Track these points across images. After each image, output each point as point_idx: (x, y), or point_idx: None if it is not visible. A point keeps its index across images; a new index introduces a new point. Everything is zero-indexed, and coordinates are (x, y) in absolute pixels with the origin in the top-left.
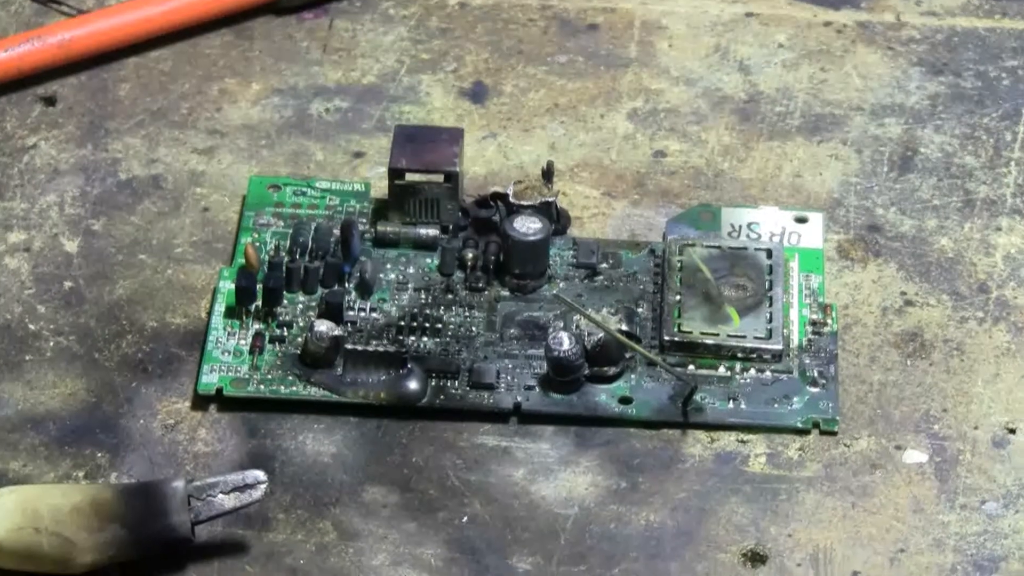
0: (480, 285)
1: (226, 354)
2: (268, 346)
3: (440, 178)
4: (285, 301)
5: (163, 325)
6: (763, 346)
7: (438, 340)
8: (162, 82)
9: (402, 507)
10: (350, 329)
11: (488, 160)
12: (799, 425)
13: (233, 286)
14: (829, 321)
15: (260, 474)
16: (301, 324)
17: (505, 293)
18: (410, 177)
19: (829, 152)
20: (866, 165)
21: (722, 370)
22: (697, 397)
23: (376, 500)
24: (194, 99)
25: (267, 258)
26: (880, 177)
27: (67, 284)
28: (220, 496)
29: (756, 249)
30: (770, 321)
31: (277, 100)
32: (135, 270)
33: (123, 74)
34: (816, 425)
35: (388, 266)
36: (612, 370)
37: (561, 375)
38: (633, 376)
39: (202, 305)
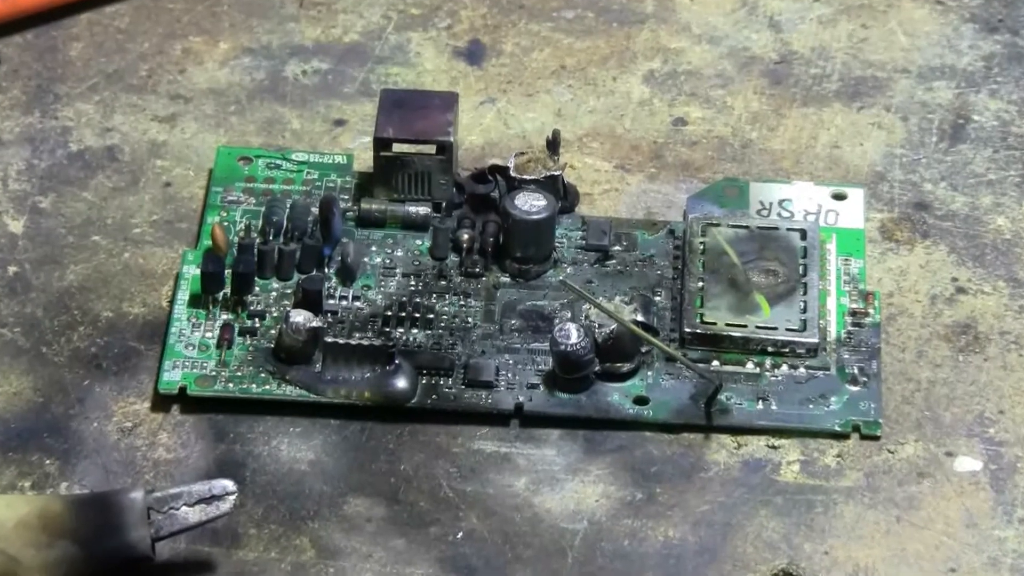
0: (477, 270)
1: (190, 348)
2: (238, 339)
3: (432, 149)
4: (257, 288)
5: (119, 316)
6: (797, 339)
7: (429, 332)
8: (119, 41)
9: (389, 521)
10: (330, 320)
11: (486, 129)
12: (837, 428)
13: (198, 271)
14: (871, 311)
15: (229, 484)
16: (275, 314)
17: (505, 279)
18: (398, 148)
19: (871, 120)
20: (912, 134)
21: (750, 366)
22: (722, 397)
23: (360, 513)
24: (154, 60)
25: (236, 240)
26: (928, 148)
27: (11, 269)
28: (184, 509)
29: (789, 229)
30: (804, 311)
31: (248, 61)
32: (88, 253)
33: (75, 32)
34: (856, 429)
35: (373, 249)
36: (626, 366)
37: (568, 372)
38: (650, 373)
39: (163, 293)
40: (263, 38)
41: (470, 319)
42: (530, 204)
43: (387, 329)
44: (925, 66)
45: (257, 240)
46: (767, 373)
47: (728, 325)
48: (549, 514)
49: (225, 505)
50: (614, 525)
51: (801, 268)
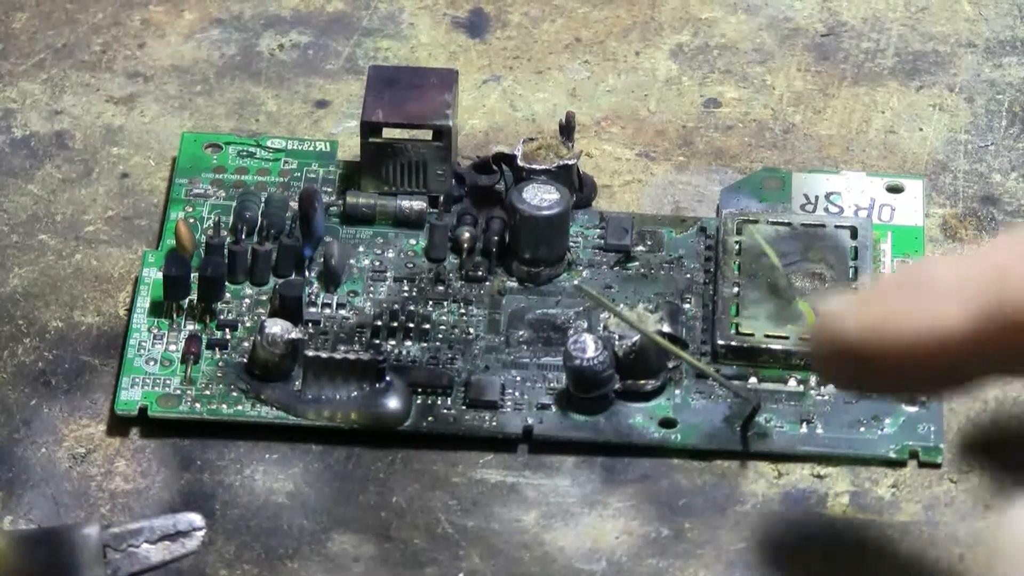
0: (480, 274)
1: (151, 363)
2: (205, 353)
3: (428, 135)
4: (227, 295)
5: (70, 326)
6: None
7: (425, 345)
8: (68, 10)
9: (379, 561)
10: (311, 331)
11: (490, 111)
12: (892, 455)
13: (160, 275)
14: None
15: (196, 518)
16: (248, 325)
17: (512, 284)
18: (388, 133)
19: (931, 101)
20: (979, 118)
21: (792, 384)
22: (760, 419)
23: (345, 552)
24: (109, 32)
25: (204, 239)
26: (997, 134)
27: None
28: (145, 546)
29: (837, 227)
30: None
31: (217, 33)
32: (34, 255)
33: (18, 0)
34: (914, 455)
35: (360, 249)
36: (650, 384)
37: (584, 390)
38: (677, 392)
39: (120, 300)
40: (234, 7)
41: (472, 330)
42: (539, 198)
43: (376, 341)
44: (993, 39)
45: (228, 239)
46: (812, 392)
47: (767, 336)
48: (562, 553)
49: (192, 542)
50: (636, 566)
51: (851, 271)
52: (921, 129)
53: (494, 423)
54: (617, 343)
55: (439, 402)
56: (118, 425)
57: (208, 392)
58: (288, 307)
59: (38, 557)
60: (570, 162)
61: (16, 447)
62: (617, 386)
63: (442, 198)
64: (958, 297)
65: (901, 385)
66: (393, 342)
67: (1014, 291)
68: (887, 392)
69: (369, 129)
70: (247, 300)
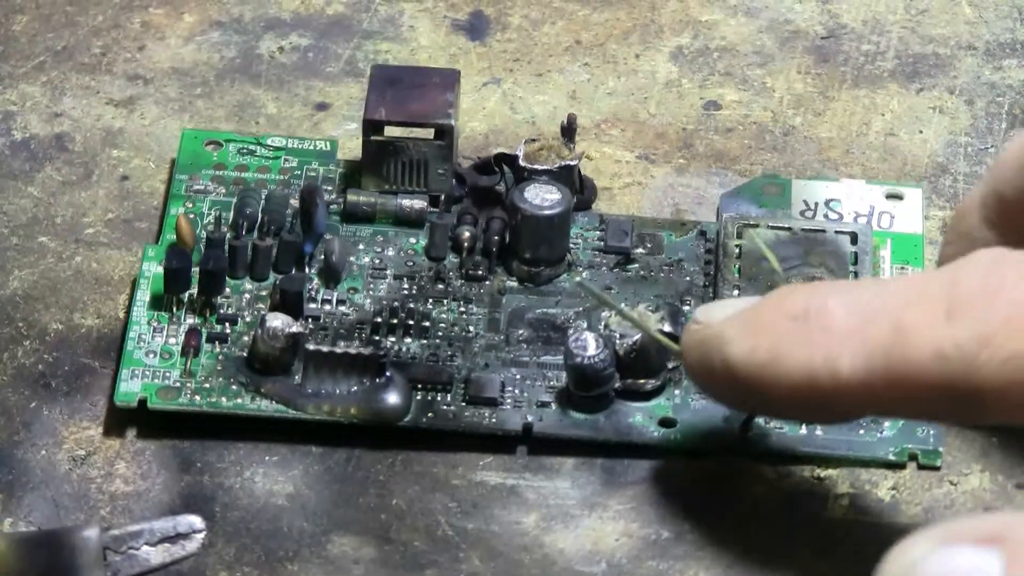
0: (480, 273)
1: (151, 356)
2: (205, 347)
3: (429, 134)
4: (228, 289)
5: (70, 328)
6: None
7: (425, 342)
8: (68, 13)
9: (379, 563)
10: (311, 326)
11: (490, 114)
12: (891, 457)
13: (161, 269)
14: None
15: (196, 521)
16: (248, 319)
17: (512, 283)
18: (390, 132)
19: (931, 104)
20: (979, 120)
21: None
22: (760, 420)
23: (345, 554)
24: (109, 35)
25: (204, 234)
26: (998, 136)
27: None
28: (145, 549)
29: (837, 232)
30: None
31: (217, 36)
32: (34, 257)
33: (18, 3)
34: (913, 457)
35: (361, 247)
36: (651, 383)
37: (584, 389)
38: (677, 392)
39: (120, 302)
40: (234, 10)
41: (472, 328)
42: (541, 198)
43: (377, 337)
44: (993, 41)
45: (228, 235)
46: None
47: None
48: (562, 555)
49: (192, 544)
50: (637, 568)
51: (851, 277)
52: (921, 131)
53: (494, 420)
54: (618, 342)
55: (439, 398)
56: (118, 427)
57: (208, 385)
58: (288, 302)
59: (38, 559)
60: (572, 163)
61: (16, 449)
62: (617, 385)
63: (443, 197)
64: (852, 345)
65: (782, 413)
66: (393, 338)
67: (908, 354)
68: (767, 416)
69: (371, 127)
70: (247, 295)
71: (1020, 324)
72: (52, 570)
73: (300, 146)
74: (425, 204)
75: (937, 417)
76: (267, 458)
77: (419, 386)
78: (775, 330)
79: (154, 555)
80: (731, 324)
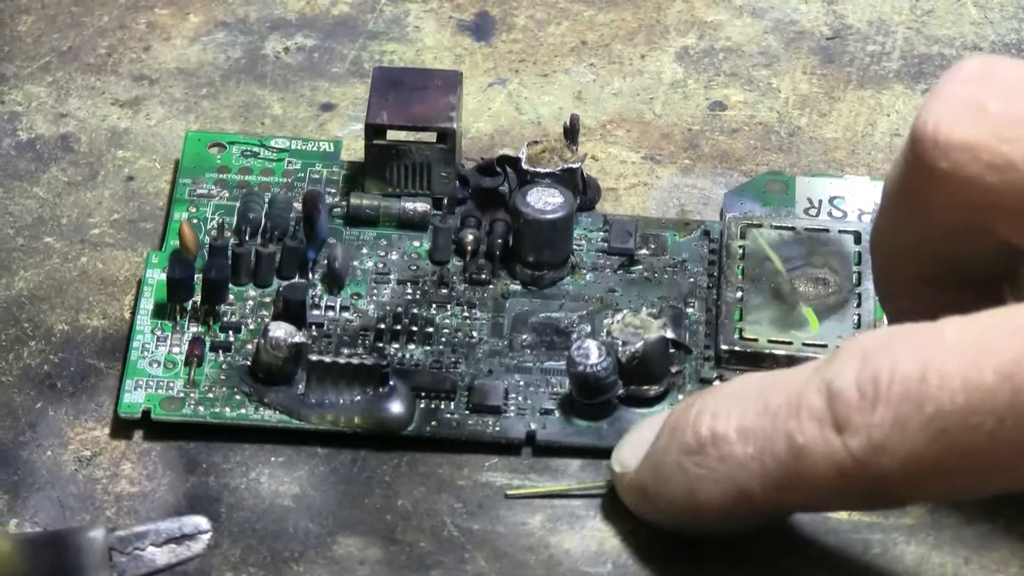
0: (483, 277)
1: (155, 366)
2: (209, 356)
3: (432, 137)
4: (231, 297)
5: (76, 329)
6: None
7: (429, 349)
8: (74, 14)
9: (385, 564)
10: (315, 334)
11: (495, 114)
12: None
13: (164, 277)
14: None
15: (201, 521)
16: (252, 327)
17: (516, 287)
18: (393, 135)
19: None
20: None
21: None
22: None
23: (351, 555)
24: (115, 35)
25: (207, 240)
26: None
27: None
28: (151, 549)
29: (841, 231)
30: (858, 325)
31: (222, 36)
32: (39, 257)
33: (23, 3)
34: None
35: (364, 251)
36: (653, 389)
37: (588, 396)
38: (680, 397)
39: (125, 303)
40: (239, 10)
41: (475, 333)
42: (544, 201)
43: (380, 345)
44: (998, 42)
45: (231, 241)
46: None
47: (771, 342)
48: (568, 556)
49: (197, 545)
50: (642, 568)
51: (855, 276)
52: None
53: (497, 428)
54: (620, 349)
55: (442, 407)
56: (123, 428)
57: (211, 395)
58: (291, 310)
59: (44, 560)
60: (574, 166)
61: (22, 450)
62: (620, 392)
63: (446, 200)
64: (756, 471)
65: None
66: (396, 345)
67: (812, 471)
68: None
69: (373, 131)
70: (251, 302)
71: (909, 421)
72: (57, 571)
73: (304, 148)
74: (428, 207)
75: (860, 507)
76: (272, 459)
77: (422, 394)
78: (681, 471)
79: (160, 556)
80: (643, 471)
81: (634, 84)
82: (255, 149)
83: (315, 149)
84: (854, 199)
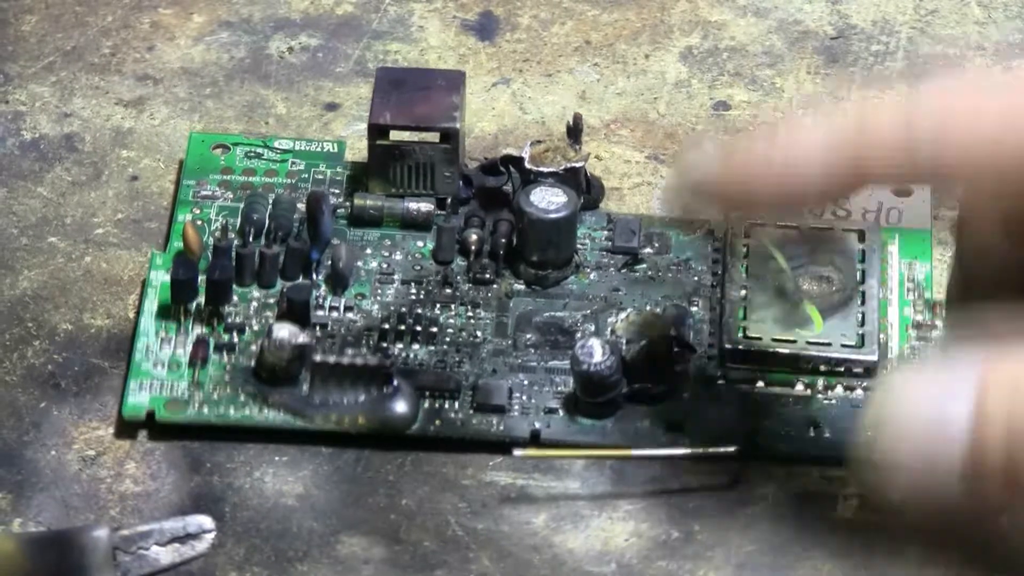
0: (487, 276)
1: (159, 367)
2: (213, 357)
3: (435, 137)
4: (235, 298)
5: (80, 328)
6: (853, 356)
7: (433, 349)
8: (78, 13)
9: (389, 563)
10: (319, 335)
11: (499, 114)
12: None
13: (168, 278)
14: (938, 323)
15: (206, 521)
16: (256, 328)
17: (519, 287)
18: (396, 136)
19: None
20: None
21: (800, 388)
22: (767, 423)
23: (355, 554)
24: (119, 35)
25: (211, 241)
26: None
27: None
28: (155, 549)
29: (844, 230)
30: (862, 324)
31: (226, 36)
32: (43, 257)
33: (27, 3)
34: None
35: (368, 252)
36: (658, 388)
37: (592, 395)
38: (685, 395)
39: (130, 302)
40: (243, 10)
41: (479, 333)
42: (548, 200)
43: (384, 345)
44: (1003, 42)
45: (235, 242)
46: (820, 395)
47: (775, 340)
48: (572, 555)
49: (201, 545)
50: (647, 568)
51: (859, 274)
52: None
53: (501, 427)
54: (624, 347)
55: (446, 406)
56: (128, 428)
57: (216, 396)
58: (295, 310)
59: (48, 560)
60: (578, 165)
61: (26, 450)
62: (625, 390)
63: (449, 200)
64: (820, 138)
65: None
66: (400, 345)
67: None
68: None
69: (377, 131)
70: (255, 303)
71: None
72: (62, 570)
73: (307, 148)
74: (432, 207)
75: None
76: (277, 458)
77: (427, 394)
78: (751, 141)
79: (164, 555)
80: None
81: (638, 84)
82: (259, 150)
83: (319, 150)
84: (858, 198)
